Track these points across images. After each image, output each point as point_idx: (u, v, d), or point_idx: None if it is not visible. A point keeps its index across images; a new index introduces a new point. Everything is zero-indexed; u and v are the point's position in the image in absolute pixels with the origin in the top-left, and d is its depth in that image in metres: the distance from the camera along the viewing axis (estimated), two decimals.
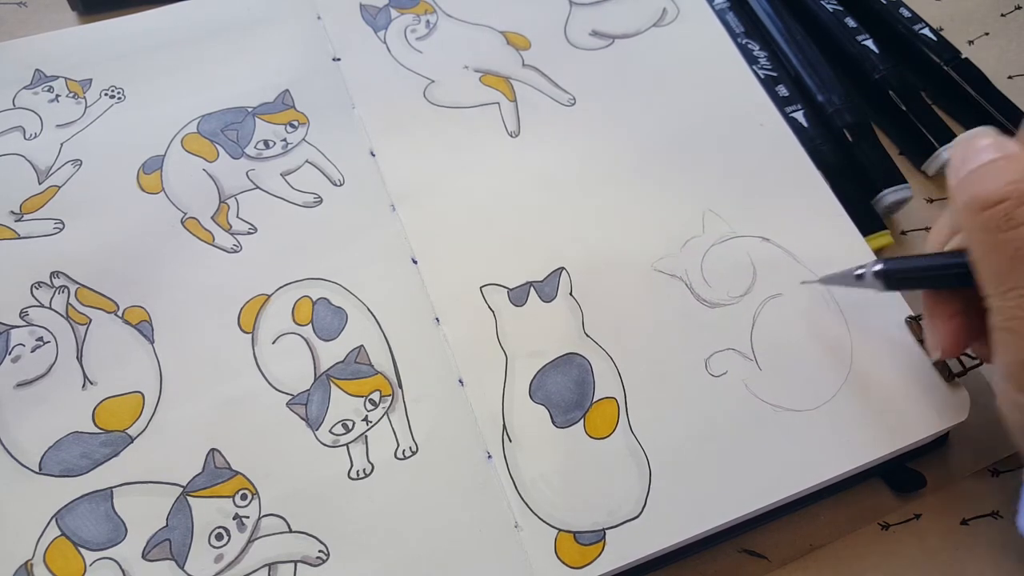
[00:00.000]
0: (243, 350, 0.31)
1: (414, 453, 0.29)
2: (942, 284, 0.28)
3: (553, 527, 0.28)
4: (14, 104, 0.36)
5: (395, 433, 0.30)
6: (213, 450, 0.29)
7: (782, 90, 0.40)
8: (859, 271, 0.30)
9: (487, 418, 0.30)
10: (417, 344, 0.31)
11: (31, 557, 0.27)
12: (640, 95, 0.38)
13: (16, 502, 0.28)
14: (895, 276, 0.29)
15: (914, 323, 0.32)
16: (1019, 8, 0.44)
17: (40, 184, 0.34)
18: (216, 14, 0.39)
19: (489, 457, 0.29)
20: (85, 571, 0.27)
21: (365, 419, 0.30)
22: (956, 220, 0.28)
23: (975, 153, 0.26)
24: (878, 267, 0.29)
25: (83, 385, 0.30)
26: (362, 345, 0.31)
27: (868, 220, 0.36)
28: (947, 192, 0.28)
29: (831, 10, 0.42)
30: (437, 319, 0.32)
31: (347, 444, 0.29)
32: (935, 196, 0.39)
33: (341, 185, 0.35)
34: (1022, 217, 0.23)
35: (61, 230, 0.33)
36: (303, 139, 0.36)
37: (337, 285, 0.32)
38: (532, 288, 0.33)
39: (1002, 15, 0.44)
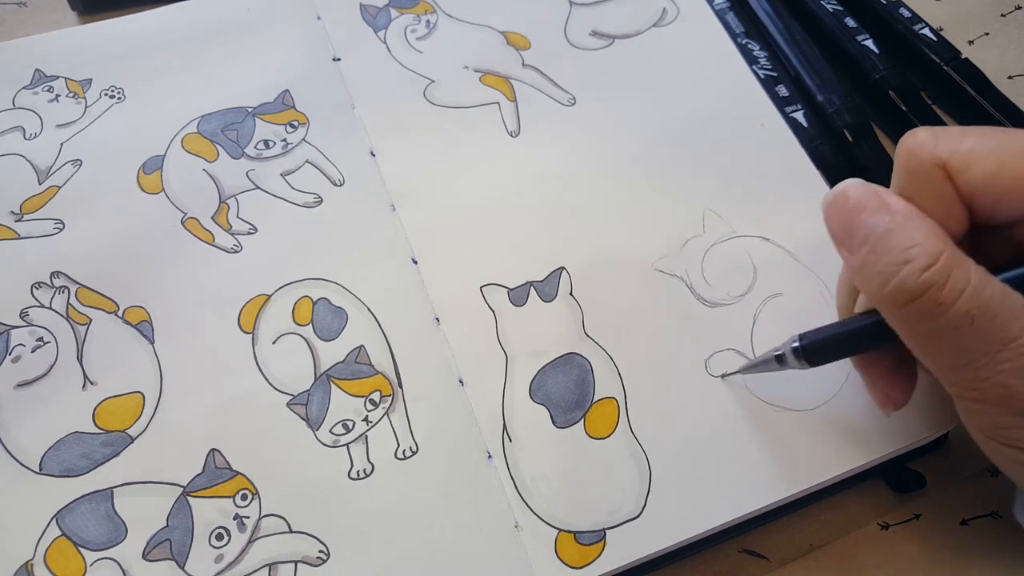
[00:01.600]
0: (243, 350, 0.31)
1: (414, 453, 0.29)
2: (868, 348, 0.27)
3: (553, 527, 0.28)
4: (14, 104, 0.36)
5: (395, 433, 0.30)
6: (213, 450, 0.29)
7: (782, 90, 0.40)
8: (777, 352, 0.28)
9: (487, 418, 0.30)
10: (417, 344, 0.31)
11: (31, 557, 0.27)
12: (640, 95, 0.38)
13: (16, 502, 0.28)
14: (815, 351, 0.26)
15: None
16: (1019, 8, 0.44)
17: (40, 184, 0.34)
18: (216, 14, 0.39)
19: (489, 457, 0.29)
20: (85, 571, 0.27)
21: (365, 419, 0.30)
22: (861, 289, 0.25)
23: (857, 215, 0.23)
24: (795, 344, 0.27)
25: (83, 385, 0.30)
26: (362, 345, 0.31)
27: None
28: (844, 261, 0.25)
29: (831, 10, 0.42)
30: (437, 319, 0.32)
31: (347, 444, 0.29)
32: None
33: (341, 185, 0.35)
34: (949, 297, 0.22)
35: (61, 230, 0.33)
36: (303, 139, 0.36)
37: (337, 285, 0.32)
38: (532, 288, 0.33)
39: (1002, 15, 0.44)
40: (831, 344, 0.26)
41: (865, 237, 0.23)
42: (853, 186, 0.24)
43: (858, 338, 0.26)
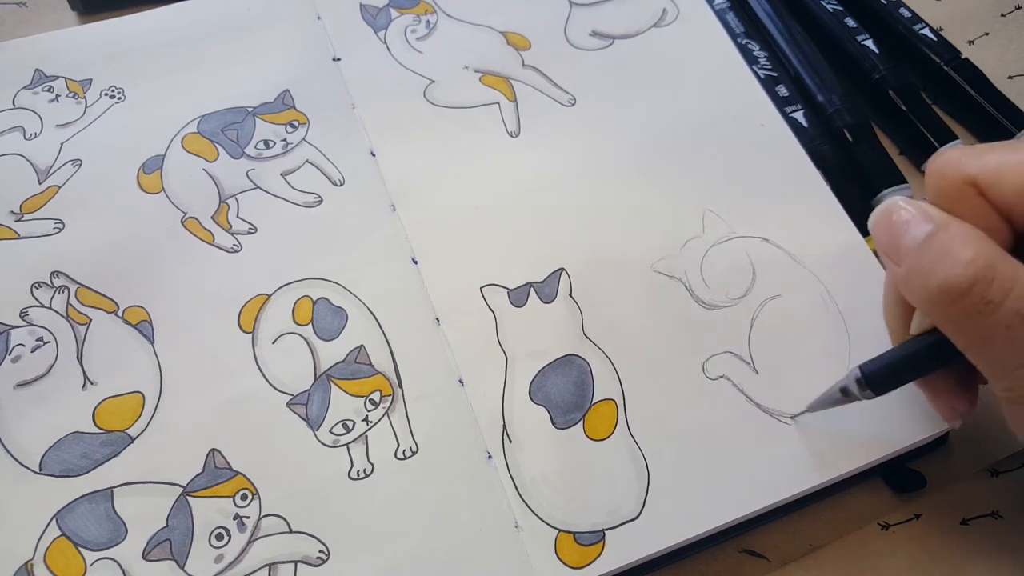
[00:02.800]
0: (243, 350, 0.31)
1: (414, 453, 0.29)
2: (931, 369, 0.27)
3: (553, 527, 0.28)
4: (14, 104, 0.36)
5: (395, 433, 0.30)
6: (213, 450, 0.29)
7: (782, 90, 0.40)
8: (841, 385, 0.28)
9: (487, 418, 0.30)
10: (417, 344, 0.31)
11: (31, 557, 0.27)
12: (640, 95, 0.38)
13: (16, 502, 0.28)
14: (878, 380, 0.27)
15: None
16: (1019, 8, 0.44)
17: (40, 184, 0.34)
18: (216, 14, 0.39)
19: (489, 457, 0.29)
20: (85, 571, 0.27)
21: (365, 419, 0.30)
22: (911, 299, 0.25)
23: (903, 227, 0.24)
24: (858, 376, 0.27)
25: (83, 385, 0.30)
26: (362, 345, 0.31)
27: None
28: (888, 273, 0.26)
29: (831, 10, 0.42)
30: (437, 319, 0.32)
31: (347, 444, 0.29)
32: None
33: (341, 185, 0.35)
34: (997, 294, 0.22)
35: (61, 230, 0.33)
36: (303, 139, 0.36)
37: (337, 285, 0.32)
38: (532, 289, 0.33)
39: (1002, 15, 0.44)
40: (894, 371, 0.27)
41: (910, 246, 0.24)
42: (898, 202, 0.25)
43: (920, 360, 0.26)
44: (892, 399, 0.31)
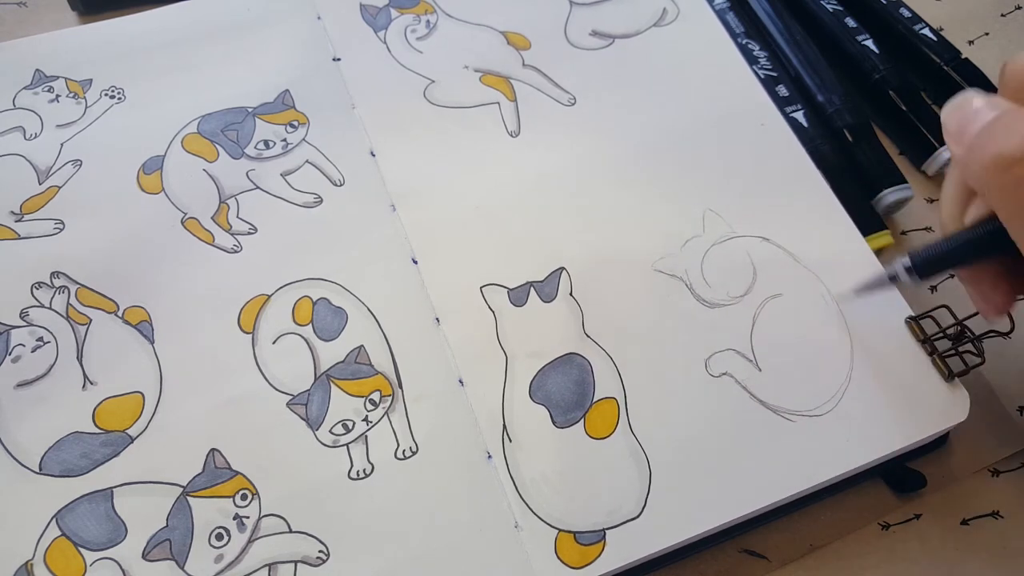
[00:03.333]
0: (243, 350, 0.31)
1: (414, 453, 0.29)
2: (977, 259, 0.28)
3: (553, 527, 0.28)
4: (14, 104, 0.36)
5: (395, 433, 0.30)
6: (213, 450, 0.29)
7: (782, 90, 0.40)
8: (891, 273, 0.29)
9: (487, 418, 0.30)
10: (417, 344, 0.31)
11: (31, 557, 0.27)
12: (640, 95, 0.38)
13: (16, 502, 0.28)
14: (928, 267, 0.28)
15: (914, 323, 0.32)
16: (1019, 8, 0.44)
17: (40, 184, 0.34)
18: (216, 14, 0.39)
19: (489, 457, 0.29)
20: (85, 571, 0.27)
21: (365, 419, 0.30)
22: (967, 186, 0.27)
23: (973, 114, 0.25)
24: (908, 264, 0.28)
25: (83, 385, 0.30)
26: (362, 345, 0.31)
27: (868, 220, 0.36)
28: (954, 160, 0.27)
29: (831, 10, 0.42)
30: (437, 319, 0.32)
31: (347, 444, 0.29)
32: (935, 196, 0.39)
33: (341, 185, 0.35)
34: None
35: (61, 230, 0.33)
36: (303, 139, 0.36)
37: (337, 285, 0.32)
38: (532, 288, 0.33)
39: (1002, 15, 0.44)
40: (943, 257, 0.28)
41: (975, 128, 0.25)
42: (975, 94, 0.26)
43: (968, 247, 0.27)
44: (892, 399, 0.31)
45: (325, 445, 0.29)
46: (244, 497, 0.28)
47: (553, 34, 0.40)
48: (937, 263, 0.28)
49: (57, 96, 0.36)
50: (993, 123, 0.24)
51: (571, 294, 0.33)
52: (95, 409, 0.29)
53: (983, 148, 0.24)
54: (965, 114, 0.26)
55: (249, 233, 0.33)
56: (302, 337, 0.31)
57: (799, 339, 0.32)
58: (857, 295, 0.32)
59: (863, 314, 0.32)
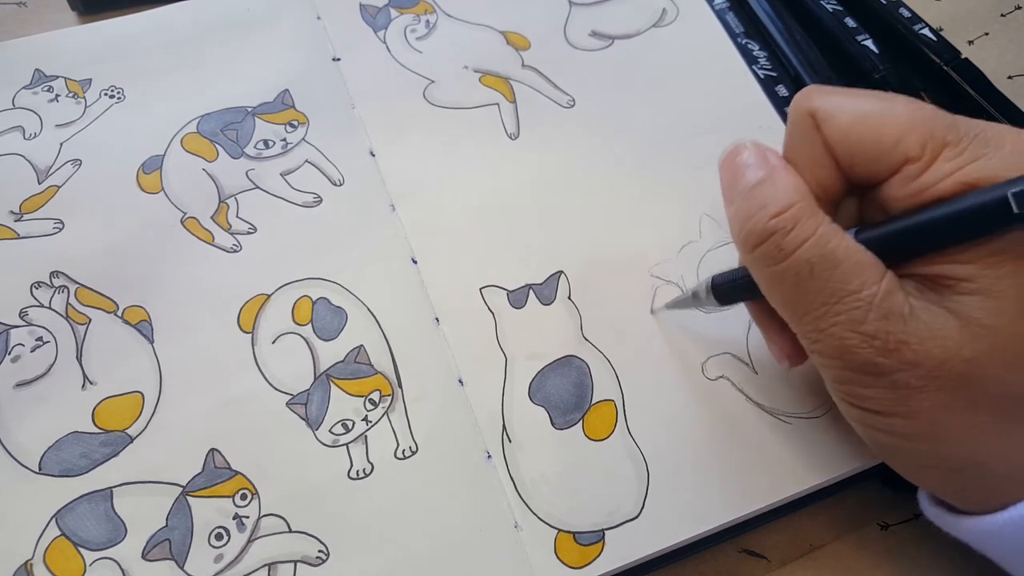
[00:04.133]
0: (243, 350, 0.31)
1: (414, 453, 0.29)
2: (759, 296, 0.27)
3: (553, 527, 0.28)
4: (14, 104, 0.36)
5: (395, 433, 0.30)
6: (213, 450, 0.29)
7: (782, 90, 0.40)
8: (695, 289, 0.29)
9: (487, 418, 0.30)
10: (417, 344, 0.31)
11: (31, 557, 0.27)
12: (639, 96, 0.38)
13: (16, 502, 0.28)
14: (725, 293, 0.28)
15: None
16: (1019, 8, 0.44)
17: (40, 184, 0.34)
18: (216, 14, 0.39)
19: (489, 457, 0.29)
20: (85, 571, 0.27)
21: (365, 419, 0.30)
22: (732, 238, 0.27)
23: (742, 169, 0.25)
24: (708, 284, 0.29)
25: (83, 385, 0.30)
26: (362, 345, 0.31)
27: None
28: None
29: (831, 10, 0.42)
30: (437, 319, 0.32)
31: (347, 444, 0.29)
32: None
33: (341, 185, 0.35)
34: (792, 244, 0.23)
35: (61, 230, 0.33)
36: (303, 139, 0.36)
37: (337, 285, 0.32)
38: (531, 291, 0.33)
39: (1002, 15, 0.44)
40: (735, 287, 0.28)
41: (741, 190, 0.25)
42: (744, 145, 0.26)
43: (752, 284, 0.26)
44: None
45: (325, 445, 0.29)
46: (244, 497, 0.28)
47: (553, 34, 0.40)
48: (732, 291, 0.28)
49: (57, 96, 0.36)
50: (753, 193, 0.24)
51: (569, 297, 0.33)
52: (95, 409, 0.29)
53: (742, 221, 0.24)
54: (735, 167, 0.26)
55: (249, 233, 0.33)
56: (302, 337, 0.31)
57: None
58: (668, 309, 0.32)
59: None
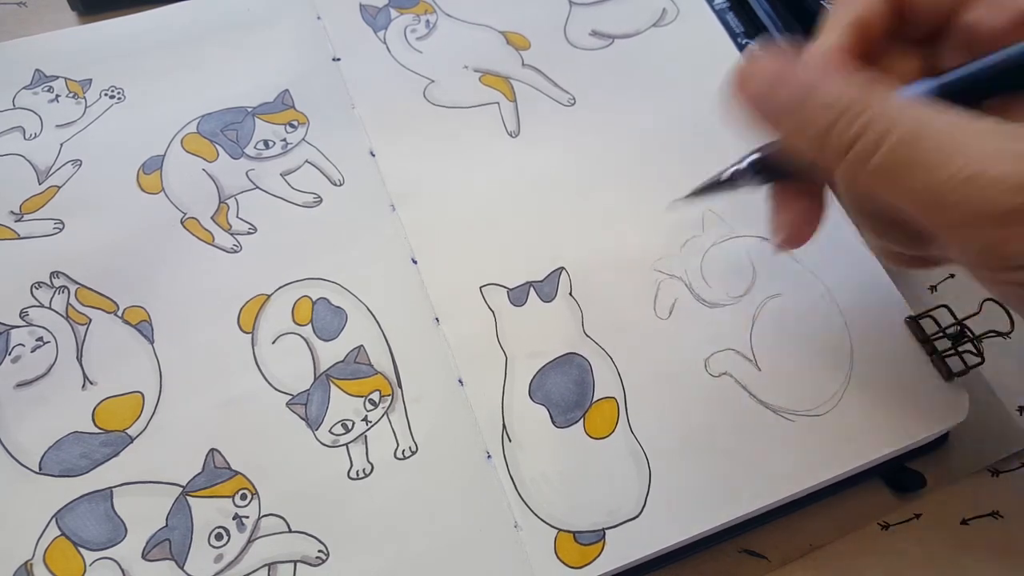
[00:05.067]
0: (243, 350, 0.31)
1: (414, 453, 0.29)
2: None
3: (553, 527, 0.28)
4: (14, 104, 0.36)
5: (395, 433, 0.30)
6: (213, 450, 0.29)
7: None
8: (735, 170, 0.27)
9: (487, 418, 0.30)
10: (417, 344, 0.31)
11: (31, 557, 0.27)
12: (639, 95, 0.38)
13: (16, 502, 0.28)
14: (769, 163, 0.26)
15: (913, 323, 0.32)
16: None
17: (40, 184, 0.34)
18: (216, 14, 0.39)
19: (489, 457, 0.29)
20: (85, 571, 0.27)
21: (365, 419, 0.30)
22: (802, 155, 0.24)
23: (775, 92, 0.22)
24: (755, 157, 0.26)
25: (83, 385, 0.30)
26: (362, 345, 0.31)
27: None
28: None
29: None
30: (437, 319, 0.32)
31: (347, 444, 0.29)
32: None
33: (341, 185, 0.35)
34: (881, 127, 0.20)
35: (61, 230, 0.33)
36: (303, 139, 0.36)
37: (337, 285, 0.32)
38: (532, 288, 0.33)
39: None
40: (780, 158, 0.25)
41: (788, 104, 0.22)
42: (760, 61, 0.23)
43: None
44: (892, 399, 0.31)
45: (325, 445, 0.29)
46: (244, 497, 0.28)
47: (553, 34, 0.40)
48: (777, 165, 0.25)
49: (57, 96, 0.36)
50: (810, 102, 0.21)
51: (571, 294, 0.33)
52: (95, 409, 0.29)
53: (812, 133, 0.22)
54: (766, 94, 0.22)
55: (249, 233, 0.33)
56: (302, 337, 0.31)
57: (799, 339, 0.32)
58: (688, 200, 0.29)
59: (863, 314, 0.32)
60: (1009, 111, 0.21)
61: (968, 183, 0.19)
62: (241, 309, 0.32)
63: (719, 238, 0.34)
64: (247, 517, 0.28)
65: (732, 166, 0.27)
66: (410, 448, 0.29)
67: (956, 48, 0.23)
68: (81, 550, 0.27)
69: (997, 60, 0.21)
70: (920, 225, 0.22)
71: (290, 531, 0.28)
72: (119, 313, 0.31)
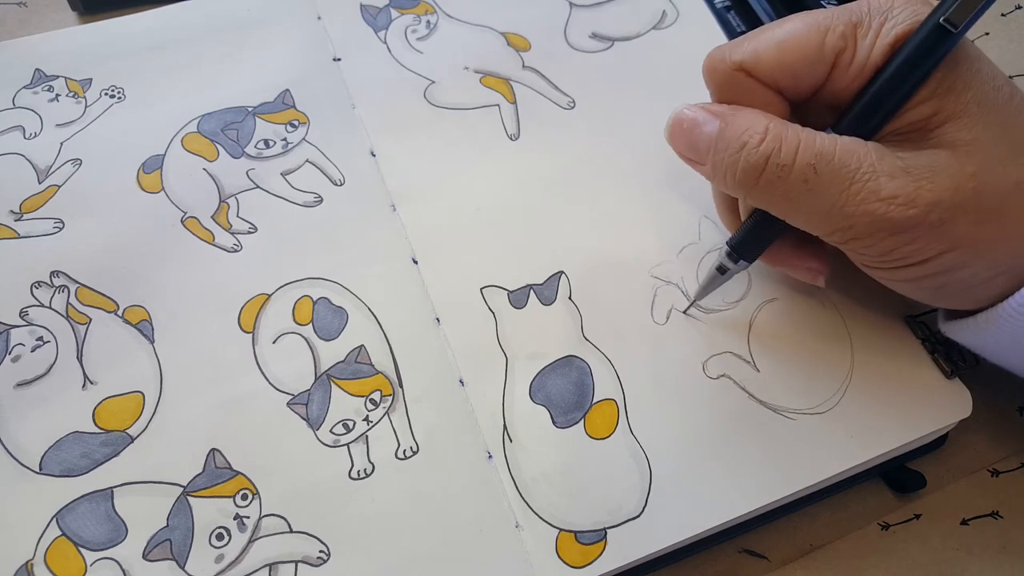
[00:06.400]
0: (243, 350, 0.31)
1: (415, 453, 0.29)
2: (778, 232, 0.29)
3: (554, 527, 0.28)
4: (14, 104, 0.36)
5: (396, 433, 0.30)
6: (214, 450, 0.29)
7: None
8: (717, 264, 0.30)
9: (488, 418, 0.30)
10: (418, 344, 0.31)
11: (31, 557, 0.27)
12: (639, 98, 0.38)
13: (16, 502, 0.28)
14: (743, 244, 0.29)
15: (914, 321, 0.32)
16: (1019, 8, 0.45)
17: (40, 183, 0.34)
18: (216, 14, 0.39)
19: (490, 457, 0.29)
20: (85, 571, 0.27)
21: (366, 419, 0.30)
22: (725, 190, 0.29)
23: (698, 130, 0.27)
24: (727, 250, 0.30)
25: (83, 385, 0.30)
26: (363, 345, 0.31)
27: None
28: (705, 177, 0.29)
29: None
30: (437, 319, 0.32)
31: (348, 444, 0.29)
32: None
33: (341, 185, 0.35)
34: (788, 157, 0.25)
35: (61, 230, 0.33)
36: (303, 139, 0.36)
37: (337, 285, 0.32)
38: (532, 291, 0.33)
39: (1002, 15, 0.44)
40: (752, 236, 0.29)
41: (707, 145, 0.27)
42: (681, 111, 0.28)
43: (766, 224, 0.28)
44: (892, 398, 0.31)
45: (326, 445, 0.29)
46: (244, 497, 0.28)
47: (553, 36, 0.40)
48: (753, 242, 0.29)
49: (57, 95, 0.36)
50: (723, 138, 0.26)
51: (570, 298, 0.33)
52: (95, 409, 0.29)
53: (727, 167, 0.26)
54: (688, 131, 0.28)
55: (249, 232, 0.33)
56: (302, 337, 0.31)
57: (797, 339, 0.32)
58: (699, 300, 0.32)
59: (863, 314, 0.32)
60: (884, 138, 0.26)
61: (867, 201, 0.24)
62: (242, 309, 0.32)
63: (715, 245, 0.34)
64: (248, 517, 0.28)
65: (714, 263, 0.31)
66: (411, 448, 0.29)
67: (822, 112, 0.28)
68: (82, 550, 0.27)
69: (869, 94, 0.25)
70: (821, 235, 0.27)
71: (291, 531, 0.28)
72: (119, 313, 0.31)
